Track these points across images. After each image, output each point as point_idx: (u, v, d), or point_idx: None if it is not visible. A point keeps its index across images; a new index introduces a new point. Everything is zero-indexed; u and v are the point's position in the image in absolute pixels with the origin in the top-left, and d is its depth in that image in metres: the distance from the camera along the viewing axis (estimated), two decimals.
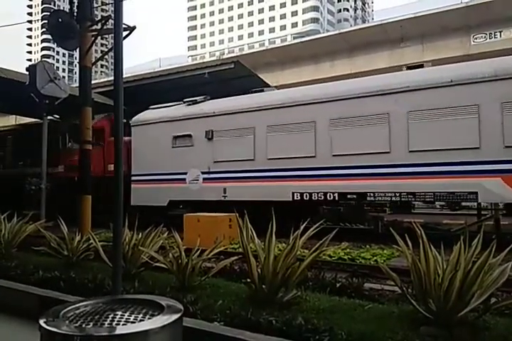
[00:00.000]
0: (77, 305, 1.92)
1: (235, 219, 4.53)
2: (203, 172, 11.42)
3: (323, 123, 9.79)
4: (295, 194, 10.00)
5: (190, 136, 11.71)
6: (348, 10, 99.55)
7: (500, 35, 22.61)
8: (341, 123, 9.59)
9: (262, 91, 11.63)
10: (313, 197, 9.80)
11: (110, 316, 1.77)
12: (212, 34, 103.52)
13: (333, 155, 9.63)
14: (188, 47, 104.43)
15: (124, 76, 3.76)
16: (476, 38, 23.25)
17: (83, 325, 1.71)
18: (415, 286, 3.24)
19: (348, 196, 9.58)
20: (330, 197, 9.63)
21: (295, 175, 10.06)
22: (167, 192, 11.90)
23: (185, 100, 12.15)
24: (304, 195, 9.89)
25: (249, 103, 11.00)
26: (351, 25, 69.97)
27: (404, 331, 2.94)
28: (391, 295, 4.10)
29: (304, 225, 4.04)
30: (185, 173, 11.68)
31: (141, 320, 1.74)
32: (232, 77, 13.25)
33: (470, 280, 2.93)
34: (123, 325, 1.70)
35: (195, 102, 11.97)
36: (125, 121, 14.04)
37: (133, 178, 12.56)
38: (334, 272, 5.41)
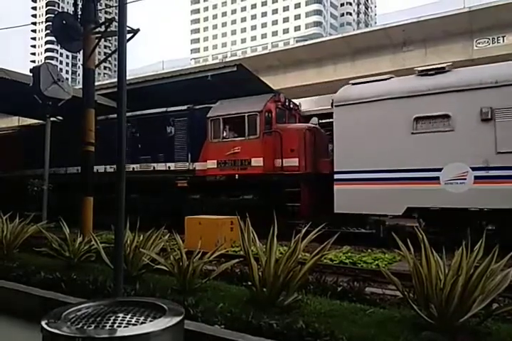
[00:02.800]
0: (79, 306, 1.92)
1: (237, 222, 4.52)
2: (474, 168, 8.27)
3: None
4: None
5: (446, 116, 8.59)
6: (350, 14, 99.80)
7: (504, 40, 22.59)
8: None
9: None
10: None
11: (112, 318, 1.78)
12: (215, 37, 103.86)
13: None
14: (191, 50, 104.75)
15: (127, 78, 3.78)
16: (479, 43, 23.24)
17: (85, 327, 1.71)
18: (417, 291, 3.23)
19: None
20: None
21: None
22: (402, 196, 8.79)
23: (419, 69, 9.38)
24: None
25: None
26: (354, 29, 70.12)
27: (406, 336, 2.93)
28: (392, 300, 4.09)
29: (306, 228, 4.04)
30: (439, 169, 8.53)
31: (142, 323, 1.74)
32: (235, 79, 13.27)
33: (472, 285, 2.92)
34: (124, 327, 1.70)
35: (441, 71, 8.96)
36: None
37: (337, 177, 9.53)
38: (335, 276, 5.41)
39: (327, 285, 4.45)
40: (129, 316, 1.80)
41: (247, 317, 3.23)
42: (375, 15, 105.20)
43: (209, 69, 13.25)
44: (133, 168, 13.05)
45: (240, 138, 11.09)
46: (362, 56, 26.53)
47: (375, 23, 79.69)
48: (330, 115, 10.43)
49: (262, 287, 3.74)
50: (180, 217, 9.39)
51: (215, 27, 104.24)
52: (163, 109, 12.90)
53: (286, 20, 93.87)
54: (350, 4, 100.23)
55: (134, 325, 1.73)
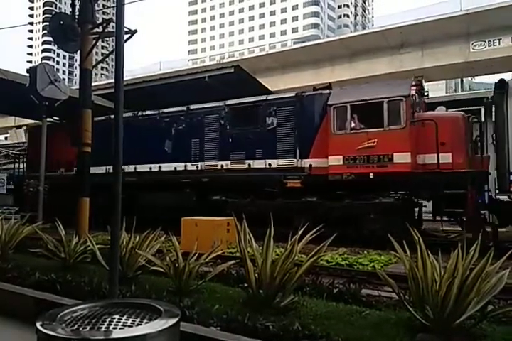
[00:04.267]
0: (74, 308, 1.91)
1: (233, 223, 4.51)
2: None
3: None
4: None
5: None
6: (348, 16, 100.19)
7: (500, 43, 22.75)
8: None
9: None
10: None
11: (107, 320, 1.76)
12: (212, 38, 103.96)
13: None
14: (189, 51, 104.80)
15: (125, 79, 3.76)
16: (475, 46, 23.39)
17: (80, 329, 1.70)
18: (412, 293, 3.24)
19: None
20: None
21: None
22: None
23: None
24: None
25: None
26: (351, 31, 70.34)
27: (401, 338, 2.94)
28: (388, 302, 4.10)
29: (303, 230, 4.05)
30: None
31: (138, 324, 1.73)
32: (232, 81, 13.29)
33: (467, 287, 2.93)
34: (120, 328, 1.69)
35: None
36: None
37: None
38: (331, 278, 5.40)
39: (323, 286, 4.45)
40: (125, 318, 1.79)
41: (243, 319, 3.22)
42: (373, 17, 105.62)
43: (206, 71, 13.28)
44: (221, 166, 11.39)
45: (376, 129, 9.28)
46: (359, 58, 26.66)
47: (373, 25, 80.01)
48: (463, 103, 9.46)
49: (258, 288, 3.73)
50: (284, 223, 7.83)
51: (212, 28, 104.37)
52: (263, 97, 11.18)
53: (283, 21, 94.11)
54: (348, 6, 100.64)
55: (129, 326, 1.71)
